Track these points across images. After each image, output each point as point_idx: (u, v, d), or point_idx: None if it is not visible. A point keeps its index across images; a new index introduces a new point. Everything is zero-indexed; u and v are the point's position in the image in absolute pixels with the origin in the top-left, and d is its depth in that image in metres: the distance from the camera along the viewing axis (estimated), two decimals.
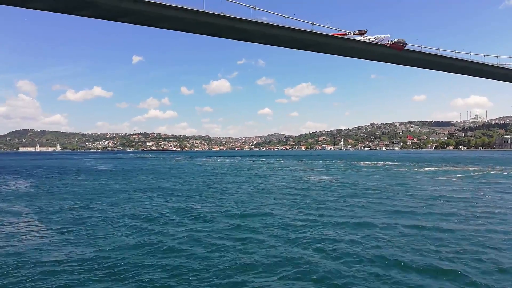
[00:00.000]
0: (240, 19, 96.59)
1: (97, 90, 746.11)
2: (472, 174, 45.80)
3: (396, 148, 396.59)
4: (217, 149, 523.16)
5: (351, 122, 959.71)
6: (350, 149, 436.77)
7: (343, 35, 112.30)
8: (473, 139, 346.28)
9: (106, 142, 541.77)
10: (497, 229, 15.14)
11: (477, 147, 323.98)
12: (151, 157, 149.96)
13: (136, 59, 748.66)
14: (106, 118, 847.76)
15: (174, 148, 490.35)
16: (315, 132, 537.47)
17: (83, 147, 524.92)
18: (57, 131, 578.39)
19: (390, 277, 9.90)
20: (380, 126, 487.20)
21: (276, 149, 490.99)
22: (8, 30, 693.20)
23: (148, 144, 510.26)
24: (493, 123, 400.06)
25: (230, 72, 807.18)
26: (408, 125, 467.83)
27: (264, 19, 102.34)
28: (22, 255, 11.92)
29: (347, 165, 71.39)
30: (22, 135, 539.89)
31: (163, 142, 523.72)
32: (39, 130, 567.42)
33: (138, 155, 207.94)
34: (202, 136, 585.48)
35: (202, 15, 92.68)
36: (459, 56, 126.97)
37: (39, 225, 16.57)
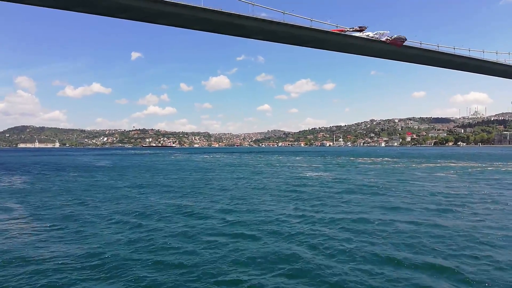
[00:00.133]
0: (238, 15, 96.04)
1: (96, 87, 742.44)
2: (470, 170, 45.69)
3: (395, 144, 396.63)
4: (217, 146, 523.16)
5: (351, 118, 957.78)
6: (350, 145, 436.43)
7: (342, 31, 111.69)
8: (472, 136, 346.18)
9: (105, 139, 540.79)
10: (493, 225, 14.99)
11: (476, 144, 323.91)
12: (149, 154, 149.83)
13: (135, 55, 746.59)
14: (105, 115, 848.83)
15: (173, 145, 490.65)
16: (314, 128, 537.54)
17: (82, 143, 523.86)
18: (56, 128, 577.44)
19: (383, 274, 9.74)
20: (380, 122, 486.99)
21: (276, 146, 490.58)
22: (7, 29, 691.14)
23: (147, 140, 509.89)
24: (492, 119, 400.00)
25: (229, 69, 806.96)
26: (407, 122, 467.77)
27: (263, 15, 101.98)
28: (9, 252, 11.71)
29: (345, 162, 71.28)
30: (21, 132, 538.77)
31: (162, 139, 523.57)
32: (38, 126, 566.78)
33: (137, 151, 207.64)
34: (202, 133, 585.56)
35: (200, 11, 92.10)
36: (458, 52, 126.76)
37: (29, 222, 16.37)
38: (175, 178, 37.32)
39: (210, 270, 10.14)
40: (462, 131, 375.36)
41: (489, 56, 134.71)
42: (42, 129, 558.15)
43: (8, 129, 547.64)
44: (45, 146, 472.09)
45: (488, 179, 33.92)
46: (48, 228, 15.16)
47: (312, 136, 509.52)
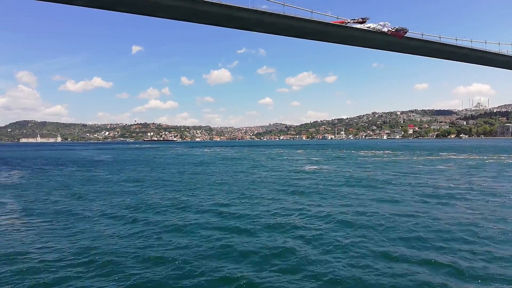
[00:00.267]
0: (238, 7, 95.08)
1: (97, 81, 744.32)
2: (471, 162, 45.33)
3: (397, 137, 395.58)
4: (218, 139, 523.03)
5: (353, 111, 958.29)
6: (351, 138, 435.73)
7: (343, 23, 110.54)
8: (474, 128, 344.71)
9: (107, 133, 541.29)
10: (492, 218, 14.76)
11: (478, 136, 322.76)
12: (150, 148, 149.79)
13: (135, 49, 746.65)
14: (107, 109, 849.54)
15: (175, 139, 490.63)
16: (316, 121, 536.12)
17: (84, 138, 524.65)
18: (57, 122, 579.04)
19: (378, 269, 9.57)
20: (382, 115, 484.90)
21: (277, 139, 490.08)
22: (7, 23, 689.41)
23: (149, 134, 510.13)
24: (495, 111, 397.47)
25: (230, 62, 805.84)
26: (409, 114, 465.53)
27: (264, 7, 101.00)
28: None
29: (346, 155, 71.00)
30: (22, 126, 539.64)
31: (163, 133, 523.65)
32: (39, 121, 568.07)
33: (138, 145, 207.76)
34: (203, 126, 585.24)
35: (199, 4, 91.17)
36: (460, 43, 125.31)
37: (20, 217, 16.21)
38: (173, 172, 37.15)
39: (203, 264, 10.00)
40: (465, 123, 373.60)
41: (492, 47, 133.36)
42: (43, 123, 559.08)
43: (10, 124, 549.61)
44: (46, 141, 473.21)
45: (489, 172, 33.59)
46: (38, 223, 15.01)
47: (313, 129, 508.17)
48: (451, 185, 24.70)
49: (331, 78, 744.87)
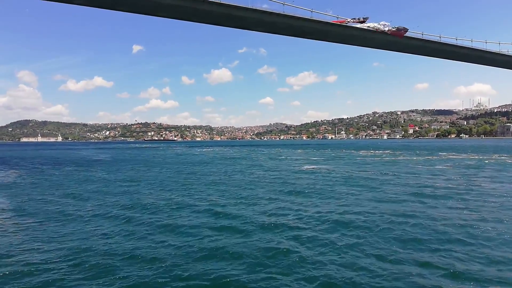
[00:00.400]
0: (237, 7, 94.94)
1: (98, 80, 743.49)
2: (470, 162, 45.15)
3: (398, 137, 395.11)
4: (218, 139, 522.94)
5: (353, 111, 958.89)
6: (352, 138, 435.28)
7: (343, 22, 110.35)
8: (474, 128, 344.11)
9: (108, 132, 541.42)
10: (489, 218, 14.61)
11: (478, 136, 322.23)
12: (150, 147, 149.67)
13: (136, 48, 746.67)
14: (107, 108, 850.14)
15: (175, 138, 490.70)
16: (316, 121, 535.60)
17: (85, 137, 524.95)
18: (58, 122, 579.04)
19: (372, 270, 9.43)
20: (382, 114, 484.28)
21: (278, 139, 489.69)
22: (8, 23, 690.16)
23: (150, 134, 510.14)
24: (495, 111, 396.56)
25: (231, 61, 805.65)
26: (410, 114, 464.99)
27: (265, 6, 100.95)
28: None
29: (345, 155, 70.84)
30: (23, 126, 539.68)
31: (164, 132, 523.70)
32: (40, 120, 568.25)
33: (137, 145, 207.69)
34: (204, 126, 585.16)
35: (199, 3, 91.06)
36: (460, 43, 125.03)
37: (10, 217, 16.04)
38: (170, 172, 36.99)
39: (195, 265, 9.90)
40: (465, 123, 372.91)
41: (492, 46, 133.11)
42: (44, 123, 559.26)
43: (10, 123, 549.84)
44: (47, 140, 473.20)
45: (489, 172, 33.41)
46: (28, 223, 14.85)
47: (314, 129, 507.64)
48: (450, 185, 24.49)
49: (332, 77, 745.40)
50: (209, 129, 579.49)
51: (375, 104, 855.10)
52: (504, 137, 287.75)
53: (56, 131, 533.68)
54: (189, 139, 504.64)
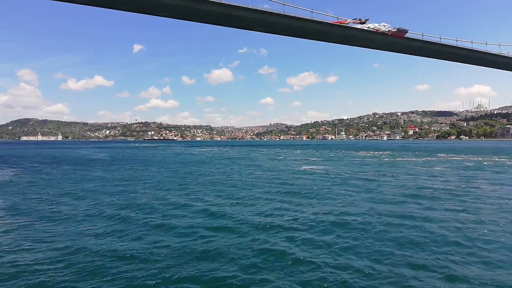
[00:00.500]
0: (237, 7, 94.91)
1: (98, 79, 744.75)
2: (468, 164, 45.03)
3: (398, 138, 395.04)
4: (218, 139, 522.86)
5: (353, 111, 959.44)
6: (352, 139, 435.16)
7: (343, 23, 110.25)
8: (474, 129, 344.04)
9: (108, 132, 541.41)
10: (485, 221, 14.50)
11: (478, 137, 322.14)
12: (149, 147, 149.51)
13: (137, 48, 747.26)
14: (108, 108, 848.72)
15: (175, 138, 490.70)
16: (316, 121, 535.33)
17: (85, 136, 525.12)
18: (58, 120, 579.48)
19: (365, 272, 9.29)
20: (382, 115, 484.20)
21: (278, 139, 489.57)
22: (8, 22, 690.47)
23: (150, 133, 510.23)
24: (495, 112, 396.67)
25: (231, 61, 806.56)
26: (410, 115, 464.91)
27: (266, 7, 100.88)
28: None
29: (344, 155, 70.72)
30: (23, 124, 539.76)
31: (164, 132, 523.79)
32: (40, 119, 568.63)
33: (137, 144, 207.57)
34: (204, 126, 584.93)
35: (199, 3, 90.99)
36: (460, 44, 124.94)
37: (4, 216, 15.89)
38: (169, 172, 36.83)
39: (188, 265, 9.81)
40: (465, 125, 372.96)
41: (492, 48, 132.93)
42: (44, 122, 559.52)
43: (11, 122, 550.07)
44: (47, 139, 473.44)
45: (488, 173, 33.28)
46: (21, 222, 14.70)
47: (314, 130, 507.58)
48: (448, 187, 24.36)
49: (332, 78, 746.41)
50: (209, 129, 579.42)
51: (375, 105, 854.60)
52: (504, 139, 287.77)
53: (56, 130, 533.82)
54: (189, 139, 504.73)
